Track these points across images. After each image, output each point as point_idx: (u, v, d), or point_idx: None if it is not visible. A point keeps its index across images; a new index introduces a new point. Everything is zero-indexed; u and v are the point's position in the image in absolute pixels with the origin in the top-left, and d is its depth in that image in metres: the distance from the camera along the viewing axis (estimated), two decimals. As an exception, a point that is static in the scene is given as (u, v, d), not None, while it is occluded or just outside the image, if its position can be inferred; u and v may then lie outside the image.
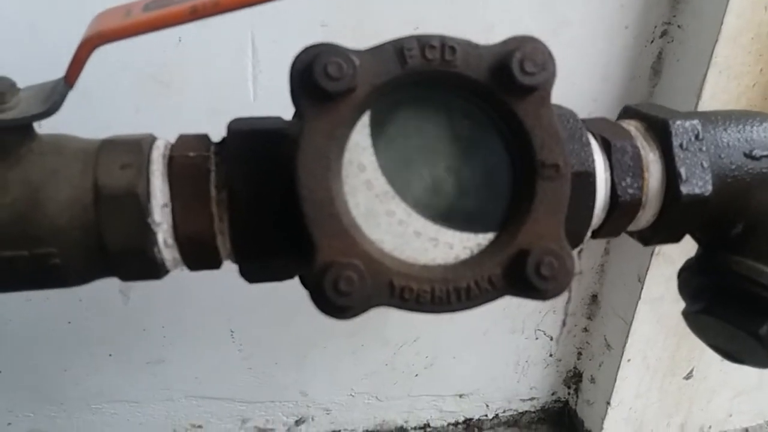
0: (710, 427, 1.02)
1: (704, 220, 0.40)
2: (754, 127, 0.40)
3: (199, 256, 0.35)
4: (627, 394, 0.92)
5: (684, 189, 0.38)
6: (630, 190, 0.38)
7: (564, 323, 0.95)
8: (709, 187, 0.38)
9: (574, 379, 1.00)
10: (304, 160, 0.30)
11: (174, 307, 0.80)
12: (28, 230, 0.32)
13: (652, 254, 0.80)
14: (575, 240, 0.39)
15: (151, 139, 0.35)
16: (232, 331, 0.85)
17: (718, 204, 0.39)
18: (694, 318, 0.42)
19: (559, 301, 0.93)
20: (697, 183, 0.38)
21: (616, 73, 0.75)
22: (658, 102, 0.74)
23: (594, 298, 0.93)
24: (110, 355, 0.83)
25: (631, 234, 0.43)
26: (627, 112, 0.43)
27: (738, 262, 0.40)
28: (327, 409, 0.96)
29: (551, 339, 0.96)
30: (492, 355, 0.95)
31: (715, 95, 0.66)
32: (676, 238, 0.42)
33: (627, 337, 0.87)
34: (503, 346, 0.95)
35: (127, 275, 0.35)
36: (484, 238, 0.33)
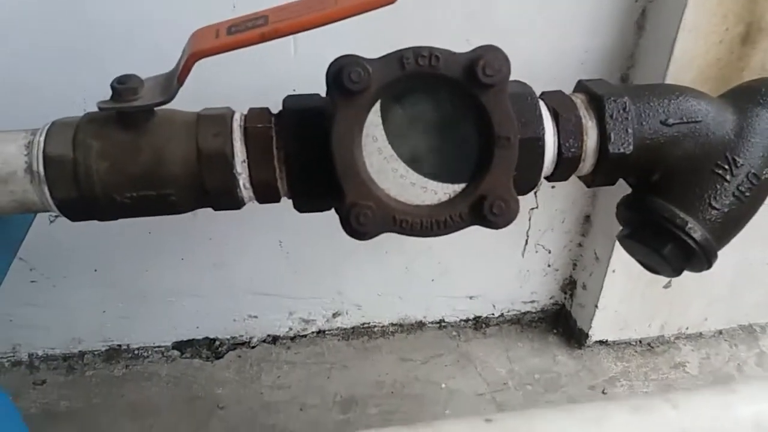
0: (687, 328, 1.18)
1: (630, 169, 0.55)
2: (671, 101, 0.53)
3: (266, 194, 0.52)
4: (612, 299, 1.09)
5: (611, 149, 0.52)
6: (572, 149, 0.53)
7: (560, 238, 1.11)
8: (631, 148, 0.52)
9: (569, 286, 1.17)
10: (336, 137, 0.46)
11: (234, 222, 0.98)
12: (155, 178, 0.48)
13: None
14: (530, 185, 0.53)
15: (231, 113, 0.51)
16: (280, 242, 1.03)
17: (640, 158, 0.53)
18: (624, 240, 0.58)
19: (557, 221, 1.08)
20: (621, 144, 0.52)
21: (606, 27, 0.86)
22: (642, 54, 0.86)
23: (587, 218, 1.08)
24: (182, 258, 1.02)
25: (578, 178, 0.58)
26: (579, 86, 0.56)
27: (653, 201, 0.54)
28: (358, 305, 1.15)
29: (549, 252, 1.12)
30: (498, 265, 1.12)
31: (686, 51, 0.77)
32: (611, 183, 0.56)
33: (612, 251, 1.02)
34: (508, 258, 1.11)
35: (218, 207, 0.52)
36: (459, 187, 0.48)
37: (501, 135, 0.46)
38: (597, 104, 0.53)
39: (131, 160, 0.48)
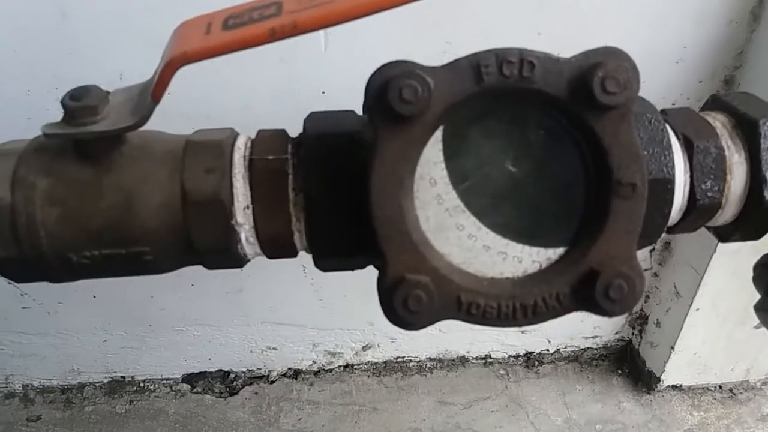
0: (777, 372, 1.02)
1: (788, 221, 0.39)
2: None
3: (278, 250, 0.38)
4: (693, 340, 0.93)
5: (768, 195, 0.37)
6: (710, 194, 0.37)
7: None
8: (797, 193, 0.37)
9: (640, 321, 1.01)
10: (376, 180, 0.31)
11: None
12: (124, 232, 0.34)
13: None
14: (648, 241, 0.38)
15: (232, 139, 0.36)
16: (304, 267, 0.89)
17: (805, 207, 0.38)
18: (766, 315, 0.42)
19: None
20: (783, 188, 0.37)
21: (711, 16, 0.70)
22: (756, 51, 0.69)
23: (667, 245, 0.92)
24: (192, 285, 0.89)
25: (708, 229, 0.42)
26: (715, 102, 0.41)
27: (819, 267, 0.39)
28: (392, 337, 1.01)
29: (618, 283, 0.96)
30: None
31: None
32: (756, 237, 0.41)
33: (698, 287, 0.86)
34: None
35: (212, 266, 0.38)
36: (554, 253, 0.33)
37: (623, 180, 0.31)
38: (747, 130, 0.37)
39: (90, 207, 0.34)
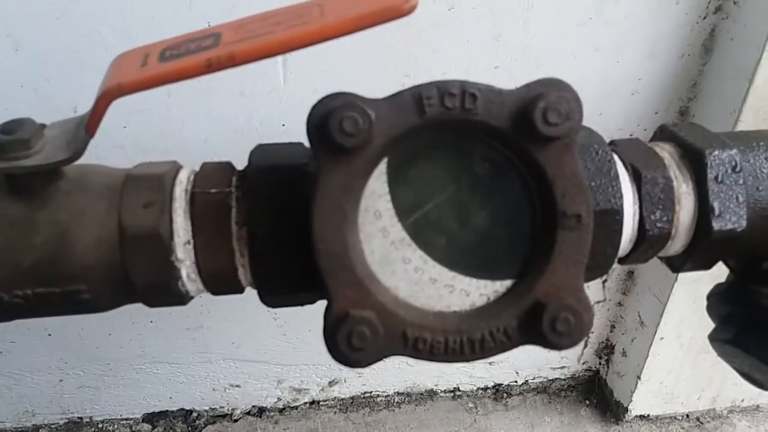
0: (743, 400, 1.02)
1: (736, 251, 0.39)
2: (798, 156, 0.38)
3: (222, 286, 0.36)
4: (659, 369, 0.92)
5: (716, 225, 0.37)
6: (659, 224, 0.37)
7: (595, 295, 0.95)
8: (743, 222, 0.37)
9: (606, 350, 1.01)
10: (319, 213, 0.30)
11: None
12: (58, 270, 0.33)
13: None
14: (599, 273, 0.38)
15: (174, 173, 0.35)
16: (267, 301, 0.87)
17: (753, 237, 0.38)
18: (721, 345, 0.42)
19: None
20: (730, 218, 0.37)
21: (664, 50, 0.71)
22: (708, 83, 0.71)
23: (630, 274, 0.92)
24: (151, 321, 0.86)
25: (661, 259, 0.42)
26: (663, 133, 0.41)
27: (769, 296, 0.39)
28: (359, 372, 0.99)
29: (583, 313, 0.96)
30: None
31: (768, 81, 0.63)
32: (706, 267, 0.41)
33: (661, 316, 0.86)
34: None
35: (153, 304, 0.37)
36: (502, 285, 0.33)
37: (568, 211, 0.31)
38: (694, 160, 0.38)
39: (23, 245, 0.33)
